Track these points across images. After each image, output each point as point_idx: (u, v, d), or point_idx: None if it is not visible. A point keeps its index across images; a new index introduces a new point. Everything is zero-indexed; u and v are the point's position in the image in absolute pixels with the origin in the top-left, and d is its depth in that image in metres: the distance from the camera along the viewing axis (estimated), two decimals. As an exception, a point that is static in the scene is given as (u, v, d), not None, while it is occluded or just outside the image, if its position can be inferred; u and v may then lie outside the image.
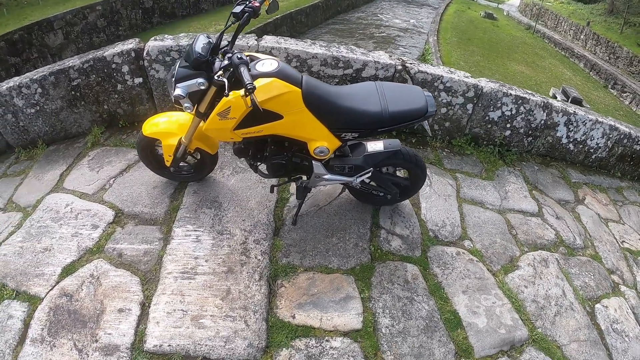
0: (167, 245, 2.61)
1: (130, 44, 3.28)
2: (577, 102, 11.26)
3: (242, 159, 2.59)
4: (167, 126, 2.59)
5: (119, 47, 3.28)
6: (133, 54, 3.25)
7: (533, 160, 3.60)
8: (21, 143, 3.59)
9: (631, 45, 23.03)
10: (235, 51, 2.04)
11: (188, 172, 2.90)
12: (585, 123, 3.42)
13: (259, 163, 2.56)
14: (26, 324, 2.31)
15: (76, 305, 2.37)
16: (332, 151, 2.38)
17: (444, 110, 3.34)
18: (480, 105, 3.31)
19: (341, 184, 2.67)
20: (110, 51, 3.24)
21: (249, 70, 1.93)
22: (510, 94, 3.27)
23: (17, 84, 3.31)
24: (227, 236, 2.66)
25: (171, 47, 3.19)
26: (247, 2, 2.11)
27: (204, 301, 2.36)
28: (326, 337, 2.24)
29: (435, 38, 16.29)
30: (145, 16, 16.86)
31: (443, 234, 2.89)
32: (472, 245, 2.86)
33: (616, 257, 3.07)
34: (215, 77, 2.05)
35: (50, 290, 2.45)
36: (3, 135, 3.53)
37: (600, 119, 3.42)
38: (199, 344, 2.17)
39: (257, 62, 2.20)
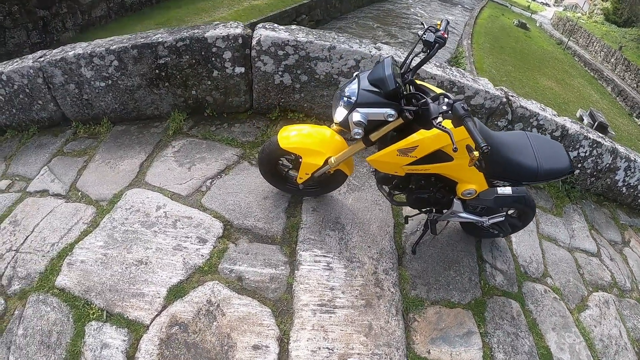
0: (295, 271, 1.93)
1: (236, 28, 2.41)
2: (603, 127, 9.91)
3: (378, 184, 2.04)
4: (312, 142, 1.89)
5: (222, 29, 2.40)
6: (240, 41, 2.39)
7: (590, 199, 3.31)
8: (81, 117, 2.62)
9: None
10: (449, 95, 1.50)
11: (311, 188, 2.15)
12: None
13: (396, 192, 2.03)
14: (130, 357, 1.53)
15: (195, 338, 1.67)
16: (477, 194, 1.87)
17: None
18: (563, 144, 2.90)
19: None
20: (212, 32, 2.36)
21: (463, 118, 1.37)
22: (589, 137, 2.92)
23: (89, 52, 2.33)
24: (357, 264, 2.02)
25: (287, 40, 2.38)
26: (436, 32, 1.65)
27: (348, 338, 1.78)
28: None
29: (470, 42, 14.08)
30: None
31: (531, 270, 2.47)
32: (553, 282, 2.49)
33: None
34: (408, 114, 1.57)
35: (157, 316, 1.72)
36: (61, 106, 2.49)
37: None
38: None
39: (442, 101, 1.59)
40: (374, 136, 1.69)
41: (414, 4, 23.33)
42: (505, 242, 2.57)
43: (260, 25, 2.50)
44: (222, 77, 2.56)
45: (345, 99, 1.64)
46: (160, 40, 2.37)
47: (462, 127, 1.38)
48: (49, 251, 1.93)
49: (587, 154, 2.99)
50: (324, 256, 2.02)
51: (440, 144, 1.64)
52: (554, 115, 2.93)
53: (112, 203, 2.13)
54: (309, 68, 2.53)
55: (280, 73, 2.56)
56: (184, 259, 1.88)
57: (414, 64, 1.74)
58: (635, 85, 19.95)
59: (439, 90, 1.74)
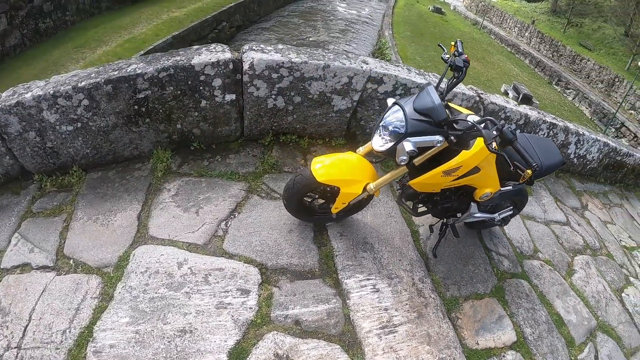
0: (346, 301, 1.98)
1: (224, 53, 2.30)
2: (527, 98, 10.98)
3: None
4: (349, 172, 1.94)
5: (208, 54, 2.27)
6: (231, 66, 2.29)
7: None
8: (45, 169, 2.26)
9: (574, 44, 22.03)
10: (493, 119, 1.63)
11: (339, 213, 2.19)
12: (588, 141, 3.87)
13: (420, 205, 2.22)
14: None
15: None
16: (492, 195, 2.17)
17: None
18: (525, 130, 3.39)
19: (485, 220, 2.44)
20: (198, 59, 2.21)
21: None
22: (546, 121, 3.45)
23: (51, 92, 2.02)
24: (397, 280, 2.16)
25: (282, 62, 2.35)
26: (460, 55, 1.88)
27: (416, 351, 1.93)
28: (502, 353, 2.15)
29: (391, 32, 14.69)
30: (93, 0, 13.18)
31: (524, 249, 2.90)
32: (543, 256, 2.95)
33: (621, 254, 3.56)
34: (453, 138, 1.73)
35: (228, 386, 1.60)
36: (19, 158, 2.13)
37: (600, 138, 3.91)
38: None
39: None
40: (418, 161, 1.79)
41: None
42: (499, 229, 2.94)
43: (247, 47, 2.44)
44: (211, 107, 2.43)
45: (392, 128, 1.73)
46: (139, 72, 2.15)
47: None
48: (62, 342, 1.65)
49: (546, 135, 3.56)
50: (367, 279, 2.10)
51: (478, 161, 1.83)
52: (516, 105, 3.41)
53: (120, 268, 1.90)
54: (302, 89, 2.54)
55: (273, 96, 2.52)
56: (232, 316, 1.78)
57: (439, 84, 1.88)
58: (550, 55, 23.21)
59: (465, 110, 1.94)
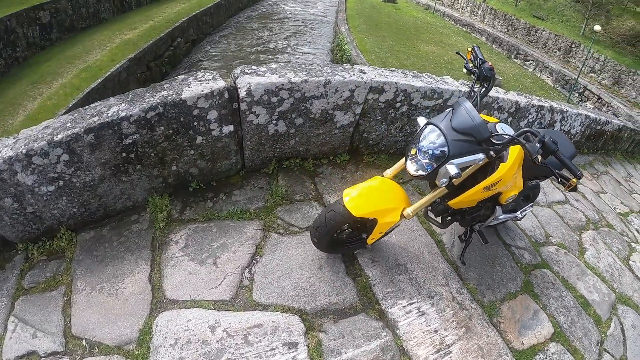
0: (396, 331, 1.91)
1: (216, 81, 2.13)
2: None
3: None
4: (385, 201, 1.85)
5: (199, 85, 2.09)
6: (227, 95, 2.13)
7: (539, 152, 4.12)
8: (29, 237, 1.99)
9: (527, 16, 22.67)
10: (532, 130, 1.61)
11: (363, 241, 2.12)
12: (572, 117, 4.07)
13: (449, 218, 2.19)
14: None
15: None
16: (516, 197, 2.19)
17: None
18: (516, 117, 3.50)
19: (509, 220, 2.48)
20: (189, 92, 2.03)
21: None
22: (534, 105, 3.57)
23: (24, 151, 1.77)
24: (437, 298, 2.13)
25: (282, 84, 2.22)
26: (483, 63, 1.89)
27: None
28: (545, 348, 2.20)
29: (347, 27, 14.83)
30: (43, 33, 12.41)
31: (537, 237, 2.99)
32: (556, 240, 3.06)
33: (619, 222, 3.78)
34: (492, 153, 1.67)
35: None
36: (-6, 231, 1.86)
37: (581, 112, 4.11)
38: None
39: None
40: (457, 180, 1.74)
41: (281, 1, 24.80)
42: (511, 222, 3.02)
43: (239, 70, 2.27)
44: (207, 142, 2.25)
45: (431, 152, 1.65)
46: (123, 114, 1.94)
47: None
48: None
49: (534, 118, 3.70)
50: (410, 303, 2.04)
51: (515, 171, 1.83)
52: (506, 93, 3.51)
53: (145, 343, 1.69)
54: (304, 109, 2.42)
55: (274, 122, 2.38)
56: (285, 374, 1.68)
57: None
58: (506, 30, 24.26)
59: (490, 119, 1.92)
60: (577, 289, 2.68)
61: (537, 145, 1.53)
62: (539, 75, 19.54)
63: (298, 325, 1.84)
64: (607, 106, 15.43)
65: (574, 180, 1.52)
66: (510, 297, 2.34)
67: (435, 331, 1.98)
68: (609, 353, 2.33)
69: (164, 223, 2.15)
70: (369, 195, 1.84)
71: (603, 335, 2.45)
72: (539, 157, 1.55)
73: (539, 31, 21.87)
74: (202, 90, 2.07)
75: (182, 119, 2.08)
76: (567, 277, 2.73)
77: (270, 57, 15.51)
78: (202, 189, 2.38)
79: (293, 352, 1.74)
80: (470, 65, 1.88)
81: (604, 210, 3.76)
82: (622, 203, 4.11)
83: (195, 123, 2.13)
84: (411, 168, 1.76)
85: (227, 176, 2.48)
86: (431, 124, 1.70)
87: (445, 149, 1.63)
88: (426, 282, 2.19)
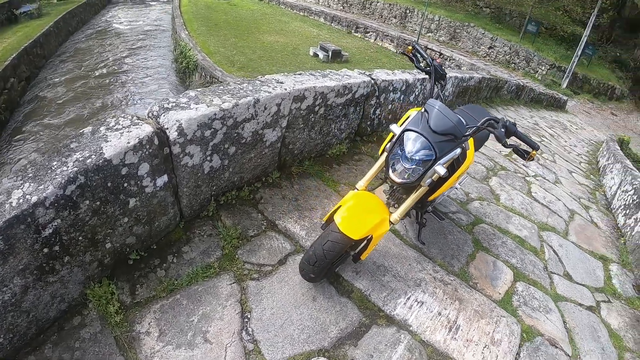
0: (410, 328, 2.10)
1: (139, 127, 1.82)
2: (337, 53, 11.91)
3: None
4: (374, 216, 1.94)
5: (120, 137, 1.76)
6: (156, 141, 1.86)
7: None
8: None
9: None
10: (494, 117, 1.93)
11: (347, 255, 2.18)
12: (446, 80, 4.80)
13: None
14: None
15: None
16: None
17: (392, 105, 3.89)
18: (406, 93, 3.99)
19: None
20: (113, 147, 1.71)
21: None
22: (418, 79, 4.07)
23: None
24: (424, 284, 2.39)
25: (214, 115, 2.05)
26: (434, 62, 2.16)
27: (481, 330, 2.18)
28: (516, 289, 2.56)
29: (187, 32, 13.43)
30: None
31: (460, 197, 3.56)
32: (474, 195, 3.71)
33: (508, 162, 4.79)
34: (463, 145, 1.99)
35: None
36: None
37: (450, 74, 4.83)
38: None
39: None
40: (436, 176, 1.94)
41: (112, 14, 23.67)
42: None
43: (157, 107, 1.97)
44: (142, 203, 1.92)
45: (418, 157, 1.82)
46: (34, 200, 1.49)
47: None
48: None
49: (419, 90, 4.26)
50: (407, 298, 2.22)
51: (473, 154, 2.17)
52: (393, 73, 3.95)
53: None
54: (236, 135, 2.29)
55: (208, 158, 2.18)
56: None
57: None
58: (342, 7, 26.09)
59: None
60: (510, 231, 3.31)
61: (502, 130, 1.87)
62: (381, 44, 21.62)
63: (328, 368, 1.83)
64: (450, 59, 18.42)
65: (534, 152, 1.88)
66: (471, 258, 2.76)
67: (439, 314, 2.22)
68: (555, 274, 3.00)
69: (120, 315, 1.79)
70: (359, 215, 1.91)
71: (544, 262, 3.08)
72: (507, 141, 1.90)
73: (373, 3, 24.64)
74: (128, 142, 1.77)
75: (109, 184, 1.75)
76: (499, 224, 3.34)
77: (116, 73, 14.43)
78: (145, 257, 2.04)
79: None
80: (422, 64, 2.11)
81: (493, 156, 4.74)
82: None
83: (126, 184, 1.82)
84: (396, 177, 1.91)
85: (167, 233, 2.19)
86: (410, 130, 1.85)
87: (432, 152, 1.80)
88: (407, 273, 2.42)
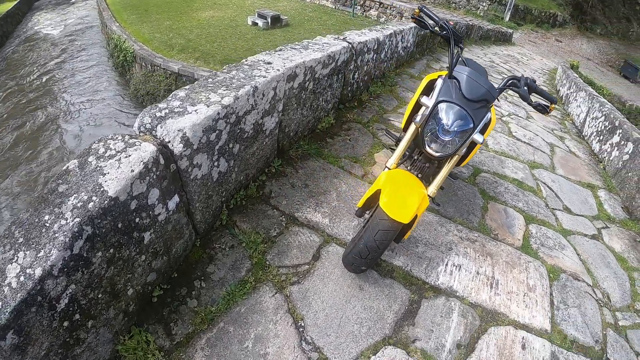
0: (457, 294, 1.98)
1: (141, 147, 1.40)
2: (276, 18, 11.09)
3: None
4: (415, 194, 1.73)
5: (121, 165, 1.34)
6: (162, 161, 1.45)
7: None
8: None
9: None
10: (515, 76, 1.82)
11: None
12: (407, 33, 4.55)
13: None
14: None
15: None
16: None
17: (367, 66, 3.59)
18: (377, 51, 3.69)
19: None
20: (116, 181, 1.29)
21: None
22: (386, 35, 3.81)
23: None
24: (454, 246, 2.27)
25: (217, 114, 1.65)
26: (447, 24, 1.88)
27: (516, 280, 2.14)
28: (530, 231, 2.60)
29: (118, 24, 11.49)
30: None
31: None
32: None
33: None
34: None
35: None
36: None
37: (408, 28, 4.56)
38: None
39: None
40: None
41: (37, 19, 19.94)
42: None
43: (148, 117, 1.52)
44: (157, 234, 1.53)
45: (456, 128, 1.64)
46: (39, 273, 1.08)
47: None
48: None
49: (388, 46, 3.99)
50: (445, 265, 2.11)
51: None
52: (365, 33, 3.60)
53: None
54: (239, 132, 1.89)
55: (216, 163, 1.80)
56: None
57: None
58: None
59: (443, 72, 1.97)
60: (507, 175, 3.25)
61: (525, 88, 1.71)
62: (318, 2, 19.97)
63: (402, 355, 1.68)
64: (390, 7, 17.58)
65: (552, 106, 1.77)
66: (484, 210, 2.68)
67: (477, 273, 2.14)
68: (556, 209, 3.01)
69: (166, 364, 1.48)
70: (403, 196, 1.69)
71: (544, 199, 3.09)
72: (531, 99, 1.74)
73: (302, -39, 22.47)
74: (132, 171, 1.36)
75: (120, 225, 1.35)
76: (496, 170, 3.27)
77: (53, 80, 12.30)
78: (169, 290, 1.69)
79: (417, 384, 1.60)
80: (437, 29, 1.85)
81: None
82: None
83: (137, 219, 1.43)
84: (433, 151, 1.72)
85: (185, 256, 1.84)
86: (445, 101, 1.65)
87: (469, 121, 1.64)
88: (436, 239, 2.28)
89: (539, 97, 1.79)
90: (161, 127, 1.53)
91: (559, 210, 3.02)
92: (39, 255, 1.13)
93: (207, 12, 13.07)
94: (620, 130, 3.92)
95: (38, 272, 1.10)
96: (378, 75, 3.93)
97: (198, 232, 1.89)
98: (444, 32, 1.82)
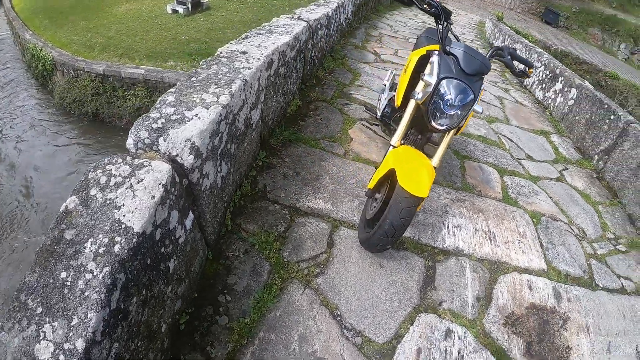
0: (464, 252, 2.04)
1: (153, 167, 1.13)
2: (196, 3, 10.14)
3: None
4: (424, 168, 1.66)
5: (134, 192, 1.07)
6: (177, 178, 1.20)
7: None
8: None
9: None
10: (498, 47, 1.84)
11: None
12: (345, 4, 4.32)
13: None
14: None
15: None
16: None
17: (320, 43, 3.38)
18: (327, 27, 3.49)
19: None
20: (136, 213, 1.03)
21: None
22: (332, 8, 3.56)
23: None
24: (449, 208, 2.28)
25: (220, 116, 1.40)
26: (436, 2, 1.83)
27: (509, 235, 2.25)
28: (506, 184, 2.68)
29: (30, 31, 8.97)
30: None
31: None
32: None
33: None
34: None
35: None
36: None
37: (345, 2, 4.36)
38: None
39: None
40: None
41: None
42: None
43: (144, 132, 1.22)
44: (179, 259, 1.29)
45: (459, 102, 1.61)
46: (82, 344, 0.82)
47: None
48: None
49: (336, 17, 3.80)
50: (447, 228, 2.13)
51: None
52: (312, 10, 3.32)
53: None
54: (235, 131, 1.64)
55: (219, 169, 1.55)
56: None
57: None
58: None
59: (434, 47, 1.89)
60: (472, 133, 3.33)
61: (509, 57, 1.73)
62: None
63: (435, 319, 1.68)
64: None
65: (530, 70, 1.82)
66: (462, 170, 2.74)
67: (476, 230, 2.20)
68: (521, 159, 3.16)
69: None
70: (416, 172, 1.62)
71: (508, 151, 3.21)
72: (516, 67, 1.76)
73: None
74: (153, 197, 1.09)
75: (148, 261, 1.10)
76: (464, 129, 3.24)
77: None
78: (194, 313, 1.47)
79: (452, 339, 1.63)
80: (425, 6, 1.75)
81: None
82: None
83: (162, 249, 1.18)
84: (439, 125, 1.69)
85: (202, 273, 1.61)
86: (446, 77, 1.62)
87: (470, 95, 1.62)
88: (432, 205, 2.28)
89: (519, 63, 1.82)
90: (164, 140, 1.27)
91: (523, 159, 3.20)
92: (72, 324, 0.88)
93: (122, 5, 11.51)
94: (562, 78, 4.16)
95: (80, 344, 0.86)
96: (328, 49, 3.75)
97: (209, 245, 1.66)
98: (433, 9, 1.75)
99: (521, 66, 1.86)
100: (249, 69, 1.74)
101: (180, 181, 1.26)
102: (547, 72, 4.62)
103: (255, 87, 1.82)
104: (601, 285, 2.06)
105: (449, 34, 1.90)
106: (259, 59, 1.86)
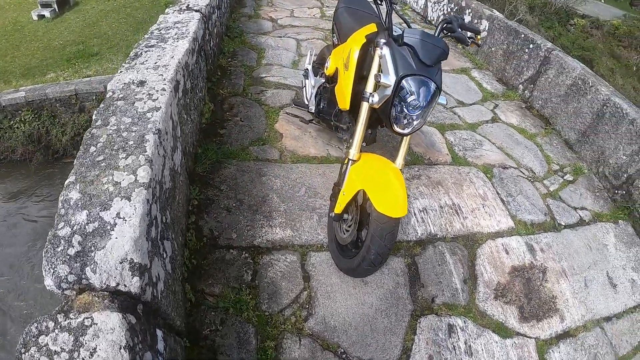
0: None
1: (99, 324, 0.91)
2: (62, 1, 9.33)
3: None
4: (394, 178, 1.62)
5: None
6: (134, 322, 0.99)
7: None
8: None
9: None
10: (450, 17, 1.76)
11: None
12: None
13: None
14: None
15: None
16: None
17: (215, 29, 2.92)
18: (220, 7, 3.03)
19: None
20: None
21: None
22: None
23: None
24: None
25: (147, 201, 1.15)
26: None
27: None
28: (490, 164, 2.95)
29: None
30: None
31: None
32: None
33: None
34: None
35: None
36: None
37: None
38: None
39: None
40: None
41: None
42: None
43: (58, 259, 0.94)
44: None
45: (424, 103, 1.55)
46: None
47: None
48: None
49: None
50: (420, 210, 2.21)
51: None
52: None
53: None
54: (165, 196, 1.39)
55: (163, 255, 1.32)
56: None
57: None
58: None
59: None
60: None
61: (459, 30, 1.66)
62: None
63: (435, 319, 1.79)
64: None
65: (478, 37, 1.79)
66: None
67: (441, 207, 2.31)
68: (454, 107, 3.28)
69: None
70: (389, 188, 1.58)
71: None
72: (467, 39, 1.71)
73: None
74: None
75: None
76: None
77: None
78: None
79: (456, 334, 1.77)
80: None
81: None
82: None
83: None
84: (402, 129, 1.62)
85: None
86: (407, 76, 1.51)
87: (435, 87, 1.56)
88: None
89: (467, 31, 1.78)
90: (94, 272, 1.02)
91: (456, 107, 3.34)
92: None
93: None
94: (469, 10, 4.25)
95: None
96: (224, 31, 3.35)
97: (182, 335, 1.50)
98: None
99: (468, 33, 1.84)
100: (157, 109, 1.45)
101: (138, 317, 1.05)
102: (452, 5, 4.69)
103: (170, 127, 1.55)
104: (564, 224, 2.38)
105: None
106: (163, 89, 1.56)
